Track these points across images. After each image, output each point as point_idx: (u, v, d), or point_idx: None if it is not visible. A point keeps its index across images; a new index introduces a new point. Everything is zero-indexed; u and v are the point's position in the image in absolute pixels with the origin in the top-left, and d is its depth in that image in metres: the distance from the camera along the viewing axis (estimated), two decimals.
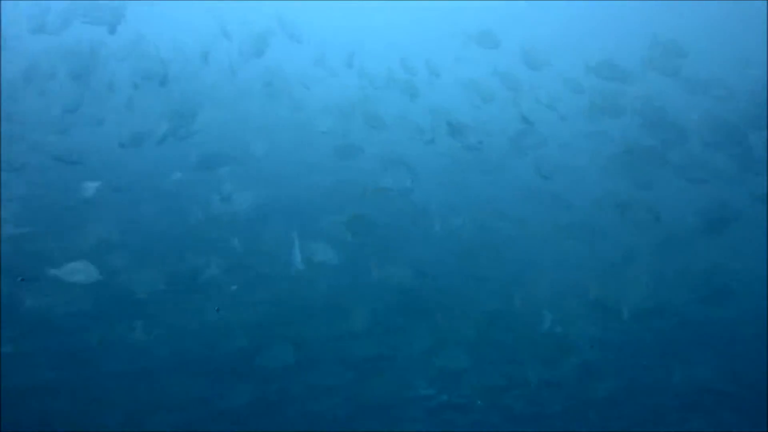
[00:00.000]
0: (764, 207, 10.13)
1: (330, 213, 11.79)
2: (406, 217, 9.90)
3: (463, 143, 10.62)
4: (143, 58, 9.56)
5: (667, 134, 11.54)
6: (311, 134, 12.21)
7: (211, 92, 12.14)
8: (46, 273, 7.74)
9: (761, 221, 10.03)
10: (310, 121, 12.07)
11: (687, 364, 7.79)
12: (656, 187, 10.60)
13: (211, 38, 11.64)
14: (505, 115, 12.24)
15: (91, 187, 9.28)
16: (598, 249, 9.72)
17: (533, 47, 11.61)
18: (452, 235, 9.82)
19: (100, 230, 9.03)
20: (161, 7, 13.85)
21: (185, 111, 9.89)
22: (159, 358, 7.50)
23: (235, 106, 12.14)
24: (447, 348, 8.25)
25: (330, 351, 7.66)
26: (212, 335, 7.99)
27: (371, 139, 11.71)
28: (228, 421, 6.64)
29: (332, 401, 7.10)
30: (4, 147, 8.89)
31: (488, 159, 10.50)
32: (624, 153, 11.68)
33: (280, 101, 12.10)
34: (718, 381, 7.65)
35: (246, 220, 10.39)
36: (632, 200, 10.11)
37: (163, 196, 10.23)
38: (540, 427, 7.06)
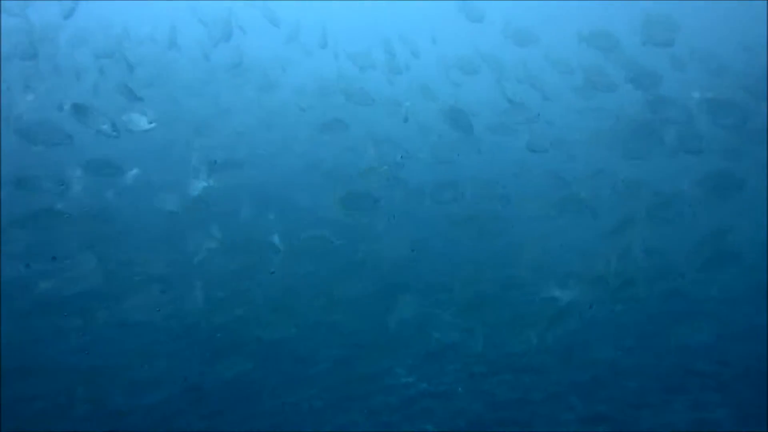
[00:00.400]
0: (763, 176, 10.10)
1: (320, 190, 11.65)
2: (398, 192, 9.78)
3: (451, 121, 10.50)
4: (111, 42, 9.29)
5: (661, 107, 11.44)
6: (293, 113, 11.97)
7: (183, 76, 11.88)
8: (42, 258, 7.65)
9: (760, 190, 9.97)
10: (292, 100, 11.82)
11: (672, 342, 7.63)
12: (652, 158, 10.53)
13: (183, 22, 11.33)
14: (495, 89, 12.07)
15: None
16: (595, 223, 9.62)
17: (523, 21, 11.43)
18: (444, 211, 9.72)
19: (79, 217, 8.84)
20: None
21: (158, 96, 9.66)
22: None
23: (207, 89, 11.88)
24: (430, 332, 8.11)
25: (307, 339, 7.52)
26: (191, 320, 7.87)
27: (356, 117, 11.53)
28: (201, 412, 6.45)
29: (308, 392, 6.92)
30: None
31: (480, 137, 10.30)
32: (619, 126, 11.60)
33: (260, 82, 11.84)
34: (703, 361, 7.50)
35: (229, 201, 10.20)
36: (628, 172, 10.09)
37: (139, 182, 10.00)
38: (523, 413, 6.89)
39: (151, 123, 8.91)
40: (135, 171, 9.88)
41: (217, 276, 8.56)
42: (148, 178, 9.96)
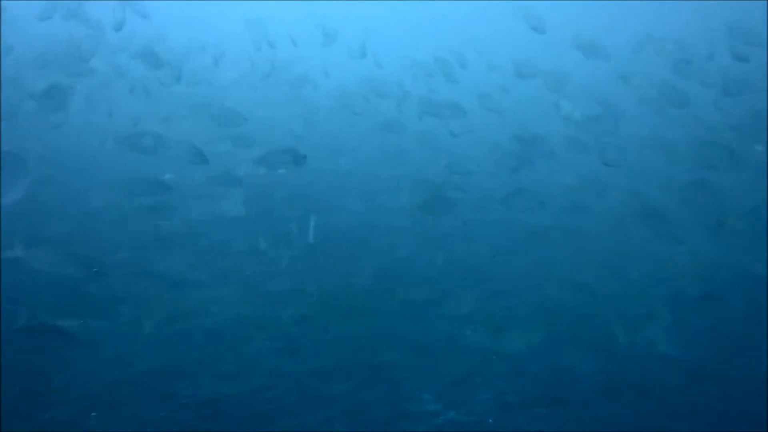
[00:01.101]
0: None
1: (372, 194, 11.50)
2: (468, 202, 9.51)
3: (518, 132, 10.26)
4: (157, 52, 9.36)
5: (739, 121, 11.09)
6: (345, 116, 11.83)
7: (233, 86, 11.88)
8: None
9: None
10: (344, 103, 11.67)
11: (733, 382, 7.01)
12: (730, 173, 9.98)
13: (229, 33, 11.38)
14: (564, 100, 11.63)
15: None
16: (671, 239, 9.03)
17: (590, 31, 11.00)
18: (514, 222, 9.34)
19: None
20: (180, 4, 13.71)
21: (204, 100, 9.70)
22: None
23: (252, 93, 11.83)
24: (468, 350, 7.77)
25: (332, 354, 7.28)
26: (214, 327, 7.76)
27: (409, 123, 11.28)
28: (213, 429, 6.28)
29: (328, 412, 6.65)
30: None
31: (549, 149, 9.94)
32: (694, 141, 11.18)
33: (305, 88, 11.75)
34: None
35: (280, 203, 10.13)
36: (706, 187, 9.50)
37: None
38: None
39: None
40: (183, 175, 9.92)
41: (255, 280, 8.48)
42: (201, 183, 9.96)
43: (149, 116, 9.49)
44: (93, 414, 6.05)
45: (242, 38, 10.47)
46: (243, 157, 10.19)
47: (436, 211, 8.90)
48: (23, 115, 8.55)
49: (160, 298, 7.88)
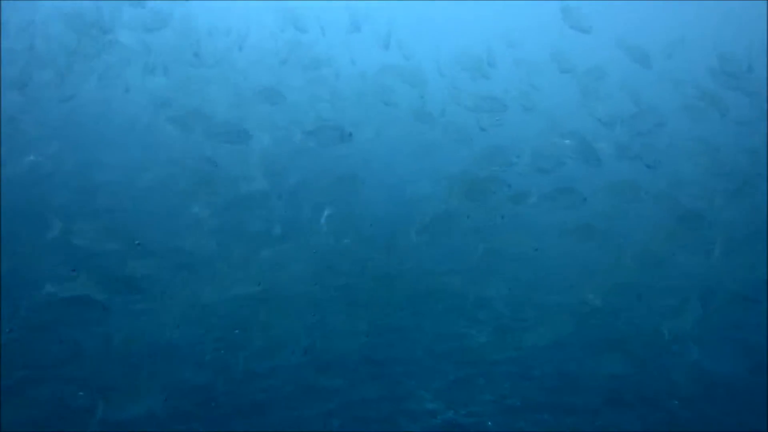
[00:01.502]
0: None
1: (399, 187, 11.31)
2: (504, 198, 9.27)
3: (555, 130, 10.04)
4: (180, 29, 9.29)
5: None
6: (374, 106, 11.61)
7: (257, 68, 11.74)
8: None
9: None
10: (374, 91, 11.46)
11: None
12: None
13: (256, 16, 11.24)
14: (603, 102, 11.34)
15: None
16: (704, 245, 8.75)
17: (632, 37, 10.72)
18: (553, 222, 9.08)
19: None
20: None
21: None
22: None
23: (282, 79, 11.67)
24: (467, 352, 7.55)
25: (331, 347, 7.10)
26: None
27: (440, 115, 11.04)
28: (208, 416, 6.18)
29: (326, 405, 6.49)
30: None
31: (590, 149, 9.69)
32: (734, 147, 10.97)
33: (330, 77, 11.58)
34: None
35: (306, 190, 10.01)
36: (745, 194, 9.55)
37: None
38: None
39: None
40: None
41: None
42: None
43: (167, 93, 9.39)
44: (80, 393, 5.99)
45: (268, 22, 10.34)
46: (266, 141, 10.10)
47: (472, 201, 8.69)
48: (35, 86, 8.52)
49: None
